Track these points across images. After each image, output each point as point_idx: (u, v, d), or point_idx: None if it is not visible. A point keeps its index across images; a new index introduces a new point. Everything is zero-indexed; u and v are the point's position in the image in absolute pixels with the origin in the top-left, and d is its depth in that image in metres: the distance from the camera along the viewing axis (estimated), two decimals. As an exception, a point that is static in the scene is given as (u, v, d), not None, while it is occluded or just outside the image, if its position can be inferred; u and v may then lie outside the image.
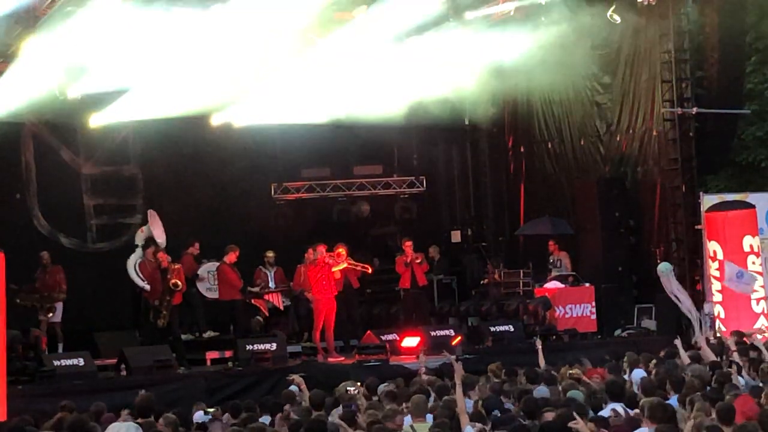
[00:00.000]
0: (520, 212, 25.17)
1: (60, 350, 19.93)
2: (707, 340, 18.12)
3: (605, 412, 11.42)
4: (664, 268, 20.87)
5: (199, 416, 13.55)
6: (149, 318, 20.08)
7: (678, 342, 15.45)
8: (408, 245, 22.65)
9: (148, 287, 20.51)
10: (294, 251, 22.12)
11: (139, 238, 22.10)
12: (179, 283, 20.03)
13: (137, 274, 21.32)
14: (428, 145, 26.14)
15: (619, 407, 11.47)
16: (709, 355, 14.98)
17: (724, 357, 15.30)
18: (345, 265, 21.07)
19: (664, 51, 22.37)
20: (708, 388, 12.20)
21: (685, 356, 14.82)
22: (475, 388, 13.55)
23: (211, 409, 13.50)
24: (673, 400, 11.66)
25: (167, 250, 20.85)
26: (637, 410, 11.15)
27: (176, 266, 20.26)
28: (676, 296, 20.87)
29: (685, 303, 20.87)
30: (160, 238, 21.43)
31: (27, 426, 12.36)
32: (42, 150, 22.23)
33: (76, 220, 22.51)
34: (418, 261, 22.50)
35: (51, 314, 20.41)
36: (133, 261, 21.66)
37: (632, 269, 23.13)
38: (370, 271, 22.17)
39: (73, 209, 22.50)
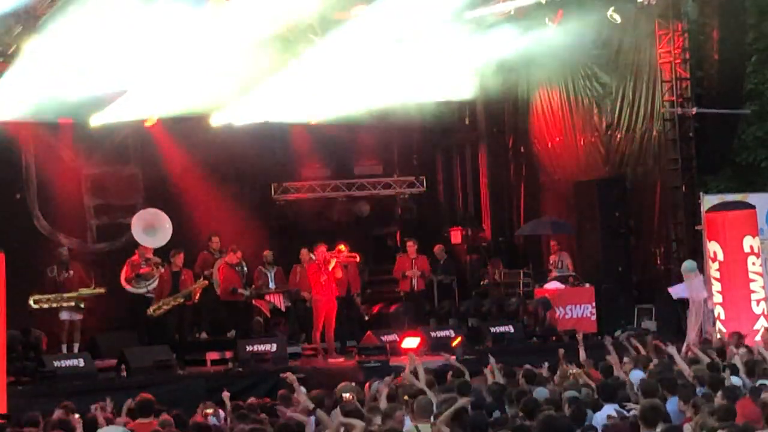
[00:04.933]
0: (520, 212, 25.17)
1: (76, 350, 19.89)
2: (706, 340, 18.15)
3: (600, 416, 11.40)
4: (690, 267, 20.71)
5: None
6: (146, 311, 20.19)
7: (672, 349, 15.39)
8: (410, 245, 22.68)
9: (132, 290, 20.62)
10: (294, 251, 22.10)
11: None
12: (197, 295, 20.27)
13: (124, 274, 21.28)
14: (428, 145, 26.15)
15: (615, 408, 11.47)
16: (702, 358, 14.93)
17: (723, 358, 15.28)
18: (335, 261, 20.96)
19: (664, 51, 22.37)
20: (704, 389, 12.20)
21: (681, 362, 14.79)
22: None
23: (209, 410, 13.48)
24: (673, 401, 11.65)
25: (164, 250, 20.88)
26: (634, 412, 11.15)
27: (203, 282, 20.52)
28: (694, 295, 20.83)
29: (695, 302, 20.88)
30: (149, 242, 21.25)
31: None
32: (42, 150, 22.22)
33: (76, 220, 22.50)
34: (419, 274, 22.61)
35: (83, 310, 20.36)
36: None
37: (632, 270, 23.13)
38: (357, 259, 22.08)
39: (73, 209, 22.49)
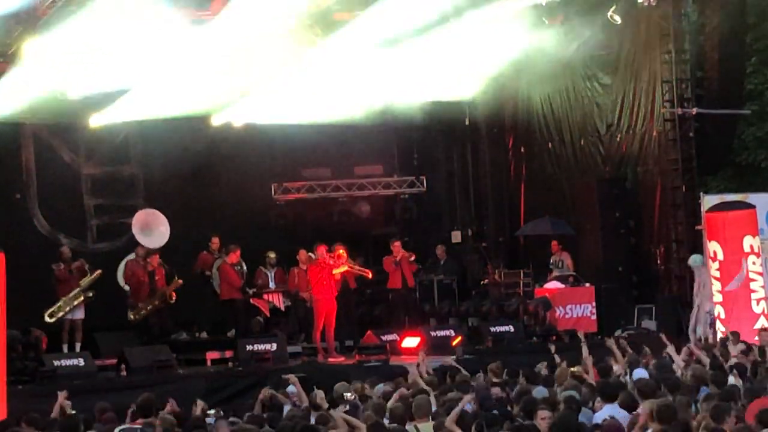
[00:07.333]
0: (521, 213, 25.16)
1: (77, 349, 19.92)
2: (706, 341, 18.17)
3: (600, 416, 11.38)
4: (698, 260, 20.85)
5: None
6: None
7: (671, 349, 15.40)
8: (396, 245, 22.65)
9: (126, 288, 20.69)
10: (294, 251, 22.10)
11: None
12: (173, 296, 20.26)
13: (122, 273, 21.30)
14: (428, 145, 26.13)
15: (614, 409, 11.45)
16: (703, 359, 14.93)
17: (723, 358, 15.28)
18: (345, 267, 21.05)
19: (664, 51, 22.38)
20: (705, 389, 12.18)
21: (678, 360, 14.79)
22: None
23: (212, 411, 13.51)
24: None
25: (170, 250, 20.92)
26: (636, 411, 11.12)
27: (177, 281, 20.50)
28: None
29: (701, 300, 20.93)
30: (147, 242, 21.29)
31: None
32: (42, 150, 22.21)
33: (76, 220, 22.50)
34: (412, 259, 22.49)
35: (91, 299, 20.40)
36: (124, 261, 21.62)
37: (632, 269, 23.15)
38: (370, 276, 22.14)
39: (73, 209, 22.49)
